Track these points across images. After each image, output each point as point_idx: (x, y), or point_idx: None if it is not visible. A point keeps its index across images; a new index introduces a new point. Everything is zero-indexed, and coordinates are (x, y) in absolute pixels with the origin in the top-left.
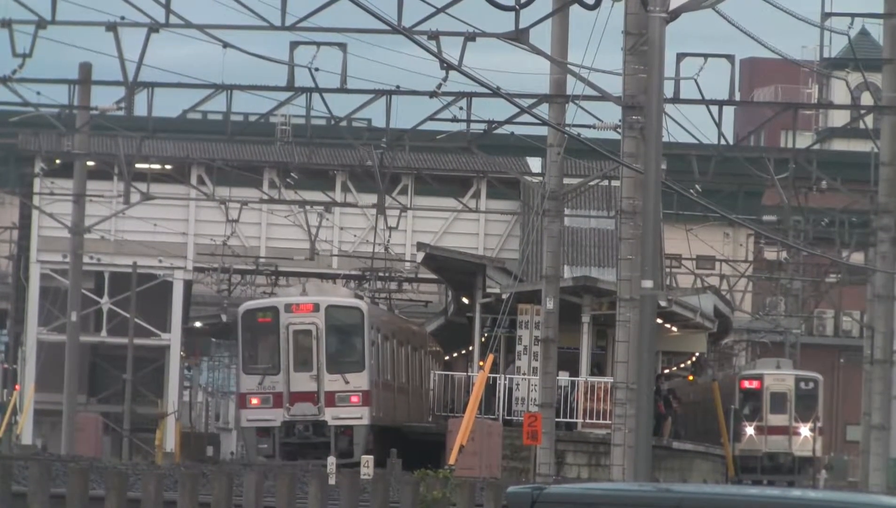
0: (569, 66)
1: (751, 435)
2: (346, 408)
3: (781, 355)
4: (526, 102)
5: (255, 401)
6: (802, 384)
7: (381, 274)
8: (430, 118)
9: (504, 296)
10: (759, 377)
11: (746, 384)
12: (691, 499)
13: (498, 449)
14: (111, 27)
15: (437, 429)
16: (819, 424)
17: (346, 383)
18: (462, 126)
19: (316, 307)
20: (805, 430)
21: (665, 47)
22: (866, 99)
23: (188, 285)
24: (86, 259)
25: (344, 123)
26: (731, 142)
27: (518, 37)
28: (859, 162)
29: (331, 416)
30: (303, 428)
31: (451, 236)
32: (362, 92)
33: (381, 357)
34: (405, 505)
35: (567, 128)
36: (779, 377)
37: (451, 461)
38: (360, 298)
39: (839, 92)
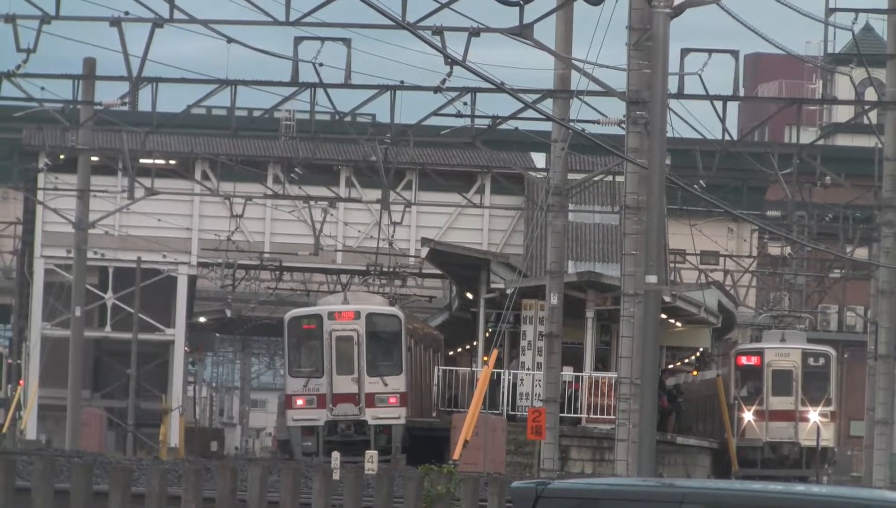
0: (573, 61)
1: (749, 422)
2: (385, 409)
3: None
4: (530, 98)
5: (300, 402)
6: (811, 360)
7: (385, 269)
8: (435, 113)
9: (508, 291)
10: (759, 353)
11: (744, 359)
12: (695, 494)
13: (502, 444)
14: (115, 22)
15: (441, 424)
16: (832, 408)
17: (385, 385)
18: (466, 121)
19: (357, 315)
20: (814, 415)
21: (669, 43)
22: (870, 94)
23: (192, 280)
24: (90, 254)
25: (348, 119)
26: (735, 137)
27: (522, 32)
28: (863, 157)
29: (371, 416)
30: (345, 427)
31: (456, 232)
32: (366, 87)
33: (413, 361)
34: (409, 500)
35: (571, 123)
36: (782, 351)
37: (456, 456)
38: (393, 305)
39: (843, 87)
